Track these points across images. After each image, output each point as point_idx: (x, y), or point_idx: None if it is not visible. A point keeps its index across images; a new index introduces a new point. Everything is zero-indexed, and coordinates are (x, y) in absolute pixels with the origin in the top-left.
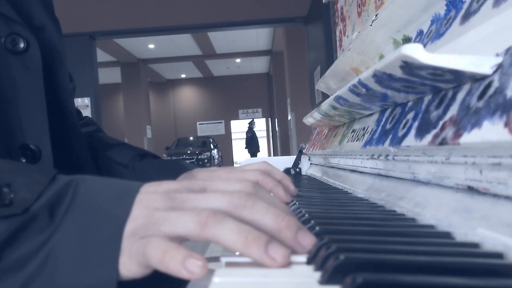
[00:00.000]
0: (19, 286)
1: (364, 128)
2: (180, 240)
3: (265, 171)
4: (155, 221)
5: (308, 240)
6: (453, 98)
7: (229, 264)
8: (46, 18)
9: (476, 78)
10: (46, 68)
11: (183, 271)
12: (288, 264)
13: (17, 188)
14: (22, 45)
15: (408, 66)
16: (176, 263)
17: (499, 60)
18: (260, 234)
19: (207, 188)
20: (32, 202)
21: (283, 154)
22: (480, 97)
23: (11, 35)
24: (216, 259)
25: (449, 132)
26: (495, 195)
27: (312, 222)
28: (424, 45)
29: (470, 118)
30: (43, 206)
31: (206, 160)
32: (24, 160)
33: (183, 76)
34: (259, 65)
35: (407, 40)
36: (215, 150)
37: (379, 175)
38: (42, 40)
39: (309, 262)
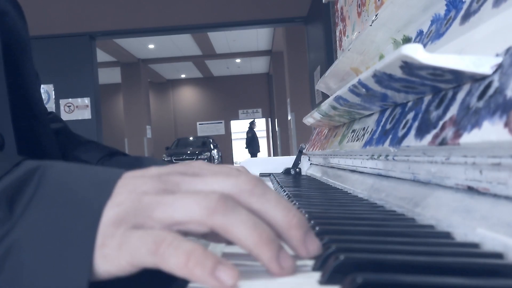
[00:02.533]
0: None
1: (364, 128)
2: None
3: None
4: (146, 205)
5: (315, 245)
6: (453, 98)
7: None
8: (7, 4)
9: (476, 78)
10: (8, 54)
11: (213, 281)
12: (291, 272)
13: None
14: None
15: (408, 66)
16: (205, 270)
17: (499, 60)
18: (274, 235)
19: (202, 173)
20: None
21: (283, 154)
22: (480, 97)
23: None
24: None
25: (449, 132)
26: (495, 195)
27: (312, 222)
28: (424, 45)
29: (470, 118)
30: (0, 194)
31: (206, 160)
32: None
33: (183, 76)
34: (259, 65)
35: (407, 40)
36: (215, 150)
37: (379, 175)
38: (3, 26)
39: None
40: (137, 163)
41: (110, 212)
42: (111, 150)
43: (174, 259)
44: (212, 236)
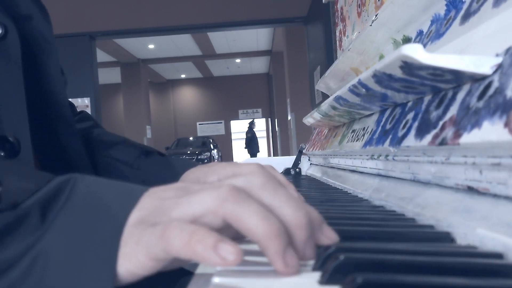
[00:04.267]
0: None
1: (364, 128)
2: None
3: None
4: (166, 207)
5: (311, 251)
6: (453, 98)
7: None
8: (33, 6)
9: (476, 78)
10: (32, 58)
11: (215, 256)
12: (295, 270)
13: (8, 184)
14: (0, 32)
15: (408, 66)
16: (206, 246)
17: (499, 60)
18: (284, 230)
19: (221, 174)
20: (23, 198)
21: (283, 154)
22: (480, 97)
23: None
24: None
25: (449, 132)
26: (495, 195)
27: None
28: (424, 45)
29: (470, 118)
30: (35, 204)
31: (206, 161)
32: (2, 153)
33: (183, 76)
34: (259, 65)
35: (407, 40)
36: (215, 150)
37: (379, 175)
38: (28, 29)
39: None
40: (174, 165)
41: (134, 216)
42: (147, 149)
43: (178, 240)
44: (227, 230)
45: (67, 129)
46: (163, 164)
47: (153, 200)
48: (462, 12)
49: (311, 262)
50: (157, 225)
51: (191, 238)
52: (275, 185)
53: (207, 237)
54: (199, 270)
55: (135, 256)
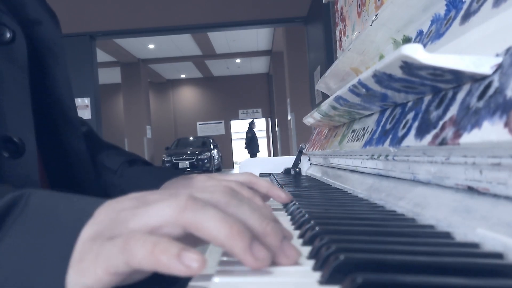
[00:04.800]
0: None
1: (364, 128)
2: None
3: (248, 182)
4: (122, 219)
5: (292, 251)
6: (453, 98)
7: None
8: (42, 12)
9: (476, 78)
10: (39, 62)
11: (179, 265)
12: (267, 264)
13: None
14: (8, 35)
15: (408, 66)
16: (170, 256)
17: (499, 60)
18: (245, 227)
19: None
20: None
21: (283, 154)
22: (480, 97)
23: None
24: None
25: (449, 132)
26: (495, 195)
27: (312, 222)
28: (424, 45)
29: (470, 118)
30: None
31: (206, 161)
32: (6, 154)
33: (183, 76)
34: (259, 65)
35: (407, 40)
36: (215, 151)
37: (379, 175)
38: (36, 34)
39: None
40: (155, 175)
41: (89, 230)
42: (132, 157)
43: (140, 251)
44: (187, 239)
45: (73, 132)
46: (145, 173)
47: (108, 213)
48: (462, 12)
49: (311, 262)
50: (115, 237)
51: (154, 249)
52: (239, 201)
53: (170, 247)
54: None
55: (93, 271)
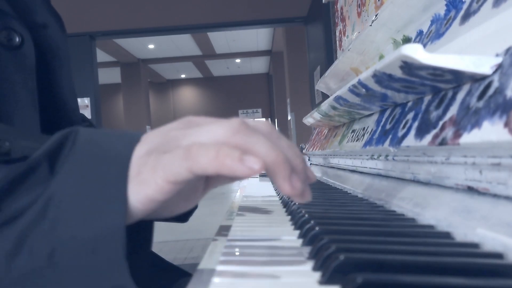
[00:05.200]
0: (15, 237)
1: (364, 128)
2: None
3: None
4: (174, 137)
5: (309, 194)
6: (453, 98)
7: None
8: (49, 16)
9: (476, 78)
10: (44, 65)
11: (242, 167)
12: (300, 193)
13: (15, 140)
14: (17, 40)
15: (408, 66)
16: (234, 159)
17: (499, 60)
18: (287, 159)
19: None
20: (30, 151)
21: None
22: (480, 97)
23: (6, 29)
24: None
25: (449, 132)
26: (495, 195)
27: (312, 222)
28: (424, 45)
29: (470, 118)
30: (42, 155)
31: None
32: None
33: (183, 76)
34: (259, 65)
35: (407, 40)
36: None
37: (379, 175)
38: (43, 38)
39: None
40: None
41: (142, 148)
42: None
43: (205, 157)
44: (200, 182)
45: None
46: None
47: (157, 134)
48: (462, 12)
49: (311, 262)
50: (172, 150)
51: (218, 153)
52: (278, 136)
53: (233, 151)
54: (199, 270)
55: (153, 180)
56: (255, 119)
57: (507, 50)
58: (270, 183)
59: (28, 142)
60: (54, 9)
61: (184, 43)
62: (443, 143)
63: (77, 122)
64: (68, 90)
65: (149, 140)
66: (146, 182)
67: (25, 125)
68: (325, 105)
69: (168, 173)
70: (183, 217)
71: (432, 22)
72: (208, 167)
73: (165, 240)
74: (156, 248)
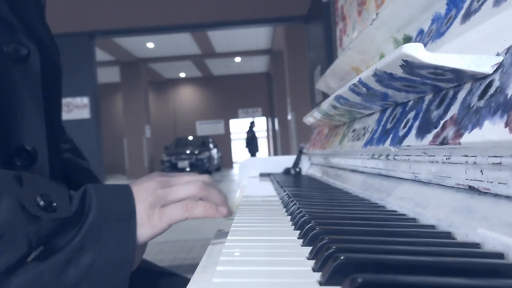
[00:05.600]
0: (62, 263)
1: (364, 127)
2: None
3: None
4: (161, 194)
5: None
6: (454, 97)
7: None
8: (45, 33)
9: (477, 78)
10: (44, 79)
11: (218, 213)
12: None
13: (54, 198)
14: (23, 53)
15: (409, 65)
16: (214, 210)
17: (500, 59)
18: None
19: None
20: (69, 209)
21: (283, 154)
22: (481, 96)
23: (14, 43)
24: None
25: (450, 132)
26: (496, 195)
27: (312, 222)
28: (425, 44)
29: (471, 117)
30: (75, 211)
31: (205, 160)
32: (19, 162)
33: (182, 75)
34: (259, 64)
35: (407, 39)
36: (215, 150)
37: (380, 175)
38: (43, 55)
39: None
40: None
41: (142, 205)
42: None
43: (197, 210)
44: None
45: (57, 147)
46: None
47: (146, 192)
48: (462, 11)
49: (311, 263)
50: (170, 205)
51: (205, 207)
52: (209, 188)
53: (212, 205)
54: (199, 270)
55: (160, 224)
56: (201, 178)
57: (508, 49)
58: (270, 183)
59: (63, 201)
60: (51, 32)
61: (184, 42)
62: (444, 142)
63: (56, 133)
64: (57, 105)
65: (143, 197)
66: (156, 226)
67: (31, 132)
68: (325, 105)
69: (171, 220)
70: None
71: (433, 21)
72: (199, 215)
73: (165, 240)
74: (156, 248)
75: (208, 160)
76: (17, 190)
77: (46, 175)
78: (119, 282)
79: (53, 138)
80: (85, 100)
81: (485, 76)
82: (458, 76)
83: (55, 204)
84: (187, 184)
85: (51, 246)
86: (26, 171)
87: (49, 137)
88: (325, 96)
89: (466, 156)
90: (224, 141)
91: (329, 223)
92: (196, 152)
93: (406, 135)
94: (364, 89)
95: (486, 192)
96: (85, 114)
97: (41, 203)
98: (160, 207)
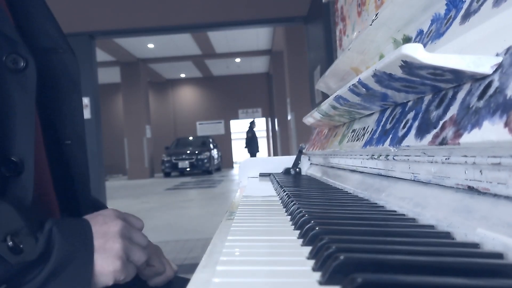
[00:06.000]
0: None
1: (364, 128)
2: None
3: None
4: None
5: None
6: (453, 97)
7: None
8: (60, 41)
9: (476, 78)
10: (53, 85)
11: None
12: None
13: (23, 239)
14: (21, 64)
15: (408, 65)
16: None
17: (499, 59)
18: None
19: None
20: (34, 251)
21: (283, 154)
22: (480, 97)
23: (12, 54)
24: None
25: (449, 132)
26: (495, 195)
27: (312, 222)
28: (424, 45)
29: (470, 118)
30: (40, 253)
31: (205, 160)
32: (7, 173)
33: (182, 75)
34: (259, 64)
35: (407, 39)
36: (215, 150)
37: (379, 175)
38: (51, 60)
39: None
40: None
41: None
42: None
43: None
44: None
45: (82, 148)
46: None
47: (101, 240)
48: (462, 12)
49: (311, 263)
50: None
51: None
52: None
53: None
54: (199, 270)
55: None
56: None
57: (507, 50)
58: (270, 183)
59: (30, 243)
60: (65, 37)
61: (184, 43)
62: (443, 142)
63: (83, 136)
64: (76, 109)
65: (98, 246)
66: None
67: (19, 143)
68: (325, 105)
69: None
70: None
71: (433, 21)
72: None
73: (165, 240)
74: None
75: (208, 160)
76: None
77: (30, 186)
78: None
79: (64, 142)
80: (85, 100)
81: (484, 77)
82: (458, 77)
83: (21, 246)
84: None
85: (12, 285)
86: (12, 182)
87: (61, 146)
88: (325, 96)
89: (465, 156)
90: (224, 141)
91: (329, 223)
92: (197, 152)
93: (405, 135)
94: (364, 89)
95: (486, 192)
96: (85, 114)
97: (10, 243)
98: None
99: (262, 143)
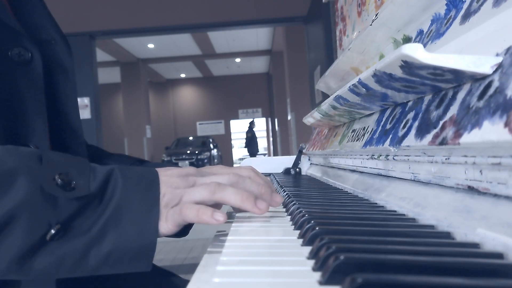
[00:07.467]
0: (83, 246)
1: (364, 128)
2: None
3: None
4: (178, 195)
5: (278, 198)
6: (453, 98)
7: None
8: (54, 32)
9: (476, 78)
10: (49, 77)
11: (212, 219)
12: (267, 211)
13: (74, 176)
14: (27, 57)
15: (408, 65)
16: (208, 215)
17: (499, 59)
18: (250, 194)
19: (209, 174)
20: (88, 187)
21: (283, 154)
22: (480, 97)
23: (18, 47)
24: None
25: (449, 132)
26: (495, 195)
27: (312, 222)
28: (424, 45)
29: (470, 118)
30: (96, 190)
31: (206, 160)
32: None
33: (182, 76)
34: (259, 65)
35: (407, 39)
36: (215, 150)
37: (379, 175)
38: (49, 52)
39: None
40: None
41: (162, 201)
42: (140, 159)
43: (191, 214)
44: (216, 205)
45: (76, 141)
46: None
47: (168, 189)
48: (462, 12)
49: (311, 262)
50: (176, 206)
51: (198, 212)
52: (243, 179)
53: (207, 210)
54: (199, 270)
55: (166, 225)
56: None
57: (507, 50)
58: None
59: (82, 179)
60: (59, 28)
61: (184, 43)
62: (443, 142)
63: (77, 130)
64: (72, 102)
65: (164, 192)
66: (163, 226)
67: (35, 132)
68: (325, 105)
69: (173, 222)
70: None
71: (433, 21)
72: (194, 219)
73: (165, 240)
74: (156, 248)
75: (208, 160)
76: (35, 169)
77: None
78: (141, 267)
79: (66, 137)
80: (85, 100)
81: (484, 77)
82: (458, 77)
83: (74, 182)
84: (204, 186)
85: (73, 227)
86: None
87: (58, 136)
88: (325, 96)
89: (465, 156)
90: (224, 141)
91: (329, 223)
92: (197, 152)
93: (405, 135)
94: (364, 89)
95: (486, 192)
96: (85, 114)
97: (59, 181)
98: (172, 207)
99: (262, 143)
